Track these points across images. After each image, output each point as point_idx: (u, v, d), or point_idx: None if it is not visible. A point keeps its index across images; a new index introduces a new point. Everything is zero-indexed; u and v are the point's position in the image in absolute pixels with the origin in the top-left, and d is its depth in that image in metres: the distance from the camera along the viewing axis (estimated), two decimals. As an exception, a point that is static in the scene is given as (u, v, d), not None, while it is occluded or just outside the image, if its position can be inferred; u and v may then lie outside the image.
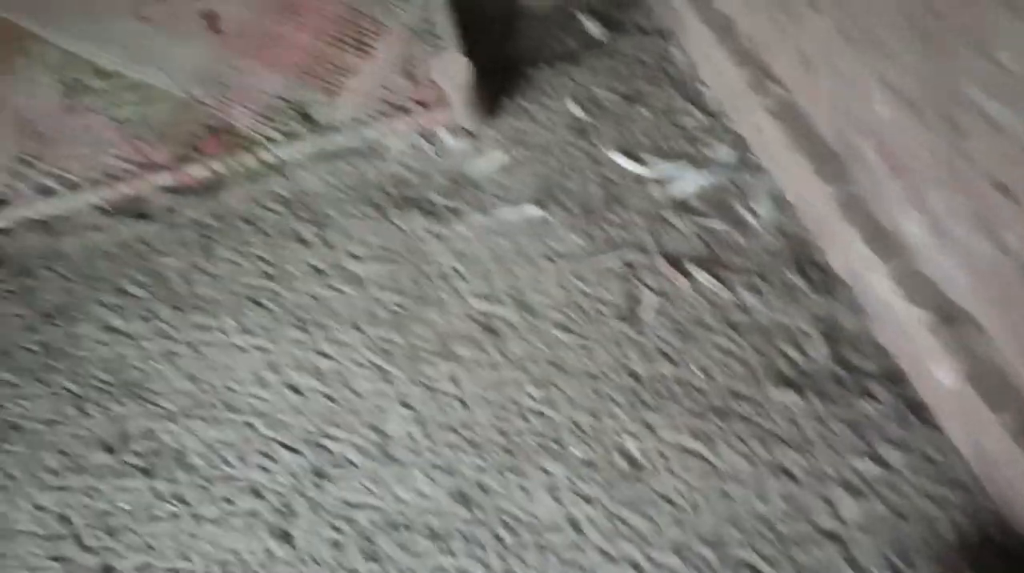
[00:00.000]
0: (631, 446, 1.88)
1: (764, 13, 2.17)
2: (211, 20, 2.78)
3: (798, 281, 2.09)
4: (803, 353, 1.97)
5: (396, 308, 2.22)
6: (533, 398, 1.99)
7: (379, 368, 2.10)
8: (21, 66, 2.56)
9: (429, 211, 2.43)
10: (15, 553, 1.92)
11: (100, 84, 2.61)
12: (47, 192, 2.61)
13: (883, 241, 1.85)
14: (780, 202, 2.23)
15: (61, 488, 2.01)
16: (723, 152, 2.37)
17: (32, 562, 1.90)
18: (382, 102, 2.60)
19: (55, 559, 1.90)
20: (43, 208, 2.60)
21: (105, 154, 2.61)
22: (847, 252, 1.97)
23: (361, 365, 2.12)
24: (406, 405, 2.02)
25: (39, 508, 1.99)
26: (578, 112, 2.58)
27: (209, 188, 2.62)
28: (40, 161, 2.59)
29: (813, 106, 2.05)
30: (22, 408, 2.18)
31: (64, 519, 1.96)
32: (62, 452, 2.08)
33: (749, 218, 2.23)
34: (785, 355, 1.97)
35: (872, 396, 1.88)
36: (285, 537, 1.84)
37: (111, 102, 2.61)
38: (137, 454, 2.04)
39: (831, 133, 2.00)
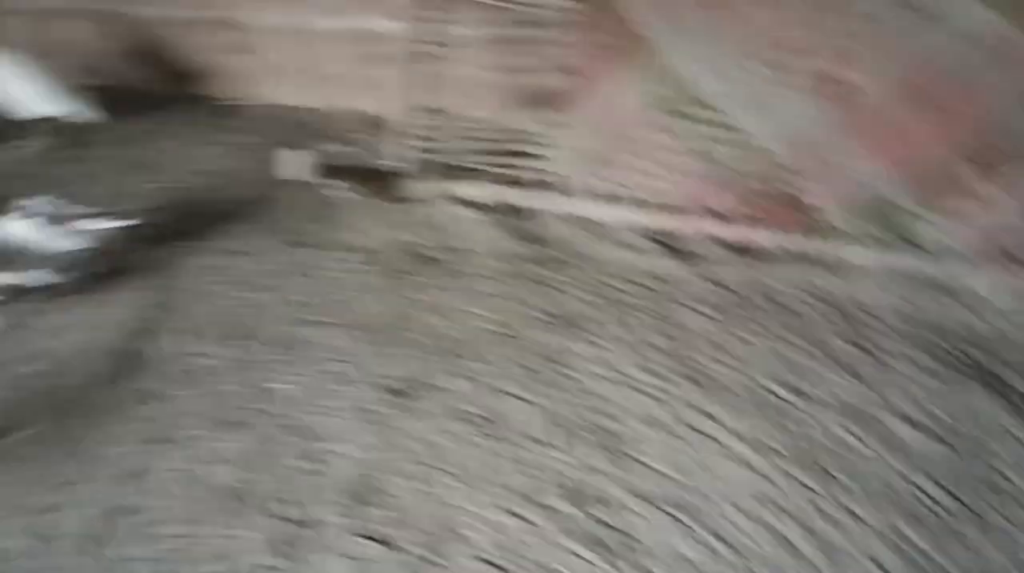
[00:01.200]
0: None
1: None
2: (826, 84, 2.37)
3: None
4: None
5: (937, 506, 1.67)
6: None
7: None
8: (622, 67, 2.39)
9: (1011, 398, 1.84)
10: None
11: (692, 112, 2.35)
12: (596, 195, 2.44)
13: None
14: None
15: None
16: None
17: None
18: (998, 245, 2.04)
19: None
20: (591, 209, 2.41)
21: (665, 180, 2.37)
22: None
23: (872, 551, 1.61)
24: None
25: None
26: None
27: (754, 254, 2.26)
28: (604, 163, 2.42)
29: None
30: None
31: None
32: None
33: None
34: None
35: None
36: None
37: (694, 133, 2.35)
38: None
39: None
